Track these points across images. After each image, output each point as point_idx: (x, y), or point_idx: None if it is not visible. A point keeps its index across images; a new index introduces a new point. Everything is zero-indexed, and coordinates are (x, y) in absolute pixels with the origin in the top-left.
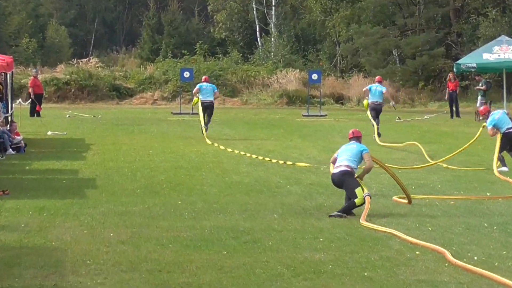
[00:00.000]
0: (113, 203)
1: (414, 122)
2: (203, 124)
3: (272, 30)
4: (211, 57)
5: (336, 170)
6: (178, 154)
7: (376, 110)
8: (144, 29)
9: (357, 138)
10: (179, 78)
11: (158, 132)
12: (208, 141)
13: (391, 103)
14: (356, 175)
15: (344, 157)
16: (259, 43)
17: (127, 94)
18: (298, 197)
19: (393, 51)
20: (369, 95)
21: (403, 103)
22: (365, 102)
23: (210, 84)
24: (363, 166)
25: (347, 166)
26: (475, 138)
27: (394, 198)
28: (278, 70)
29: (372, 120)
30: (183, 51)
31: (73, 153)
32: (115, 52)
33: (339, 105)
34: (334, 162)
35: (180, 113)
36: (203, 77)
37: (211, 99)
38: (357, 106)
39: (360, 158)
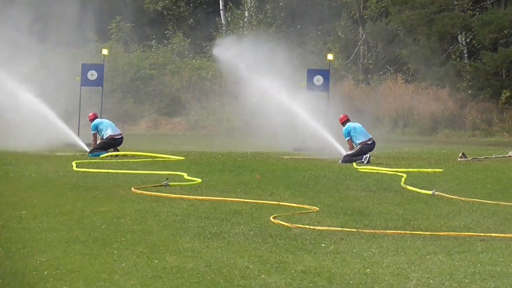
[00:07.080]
0: None
1: (490, 163)
2: None
3: None
4: (136, 44)
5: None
6: (72, 218)
7: (371, 148)
8: None
9: None
10: (78, 82)
11: (37, 177)
12: None
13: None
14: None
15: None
16: (223, 21)
17: None
18: None
19: (459, 36)
20: (354, 138)
21: (472, 128)
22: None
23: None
24: None
25: None
26: None
27: None
28: None
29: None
30: (87, 33)
31: None
32: None
33: None
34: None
35: (78, 144)
36: (91, 114)
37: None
38: (393, 133)
39: None
